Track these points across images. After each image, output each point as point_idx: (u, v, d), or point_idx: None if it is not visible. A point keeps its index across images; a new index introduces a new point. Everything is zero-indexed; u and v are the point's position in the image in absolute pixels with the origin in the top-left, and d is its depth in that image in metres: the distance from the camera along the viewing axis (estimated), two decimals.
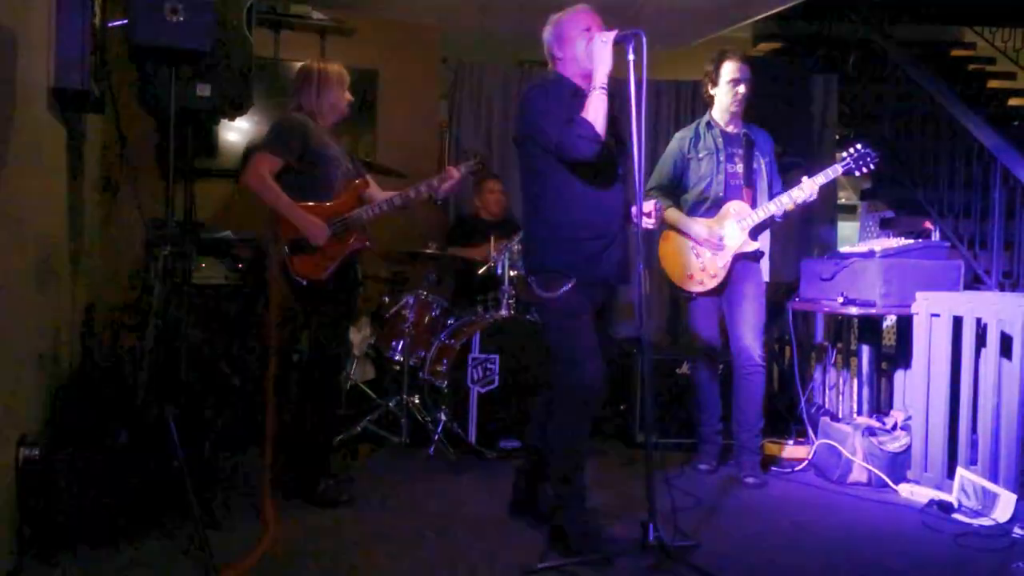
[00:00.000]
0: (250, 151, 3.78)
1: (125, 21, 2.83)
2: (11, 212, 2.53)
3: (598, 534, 3.02)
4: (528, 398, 4.24)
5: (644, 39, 2.83)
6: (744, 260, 3.99)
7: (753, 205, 3.99)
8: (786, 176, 4.27)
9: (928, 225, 5.85)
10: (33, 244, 2.87)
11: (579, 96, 2.97)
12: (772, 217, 3.97)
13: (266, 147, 3.43)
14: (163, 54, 2.97)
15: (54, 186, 3.31)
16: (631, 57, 2.85)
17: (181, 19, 2.85)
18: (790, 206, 3.93)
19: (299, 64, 3.66)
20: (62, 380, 3.34)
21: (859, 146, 3.98)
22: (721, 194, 3.98)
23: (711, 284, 3.98)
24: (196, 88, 3.40)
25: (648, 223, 3.04)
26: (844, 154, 4.00)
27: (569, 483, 3.01)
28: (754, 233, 3.97)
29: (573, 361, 2.95)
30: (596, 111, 2.89)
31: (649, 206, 3.07)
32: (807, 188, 3.88)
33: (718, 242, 3.95)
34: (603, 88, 2.90)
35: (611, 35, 2.90)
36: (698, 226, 3.98)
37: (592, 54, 2.92)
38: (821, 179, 3.90)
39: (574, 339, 2.96)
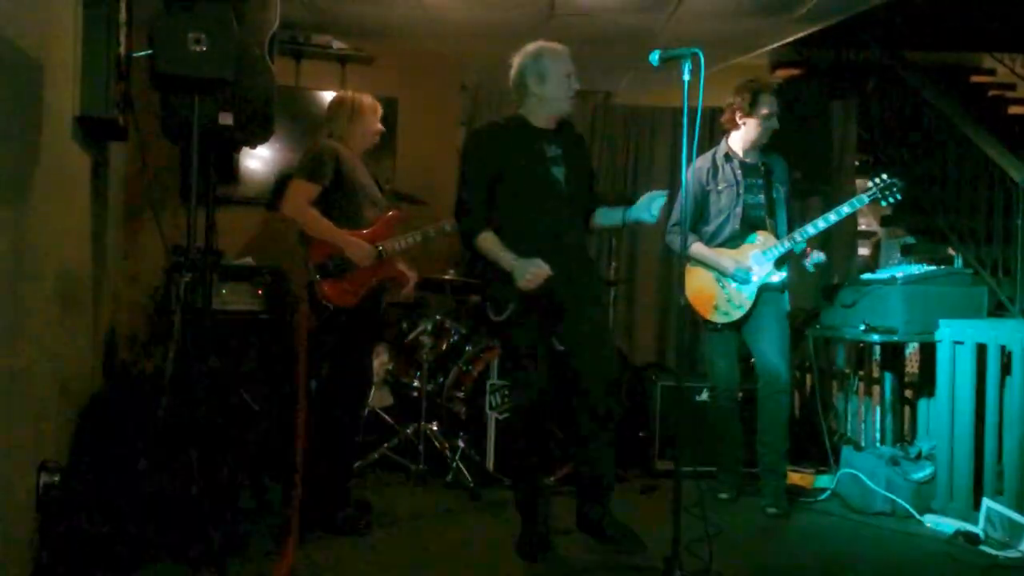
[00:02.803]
0: (284, 178, 3.83)
1: (150, 51, 2.87)
2: (35, 239, 2.56)
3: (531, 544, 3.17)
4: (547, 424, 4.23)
5: (702, 58, 2.80)
6: (770, 290, 3.96)
7: (775, 235, 3.97)
8: (802, 203, 4.25)
9: (950, 251, 5.81)
10: (56, 270, 2.90)
11: (529, 136, 3.17)
12: (796, 246, 3.94)
13: (302, 174, 3.47)
14: (186, 83, 3.01)
15: (78, 213, 3.35)
16: (687, 78, 2.79)
17: (204, 49, 2.89)
18: (814, 235, 3.90)
19: (320, 92, 3.70)
20: (83, 406, 3.36)
21: (885, 176, 3.94)
22: (738, 227, 3.97)
23: (737, 315, 3.96)
24: (218, 116, 3.44)
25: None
26: (870, 183, 3.95)
27: (521, 476, 3.33)
28: (779, 263, 3.95)
29: (514, 382, 3.41)
30: (486, 255, 3.14)
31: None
32: (832, 218, 3.85)
33: (746, 274, 3.92)
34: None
35: None
36: (725, 259, 3.95)
37: None
38: (847, 209, 3.87)
39: (515, 362, 3.26)
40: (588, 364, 3.14)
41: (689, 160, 2.80)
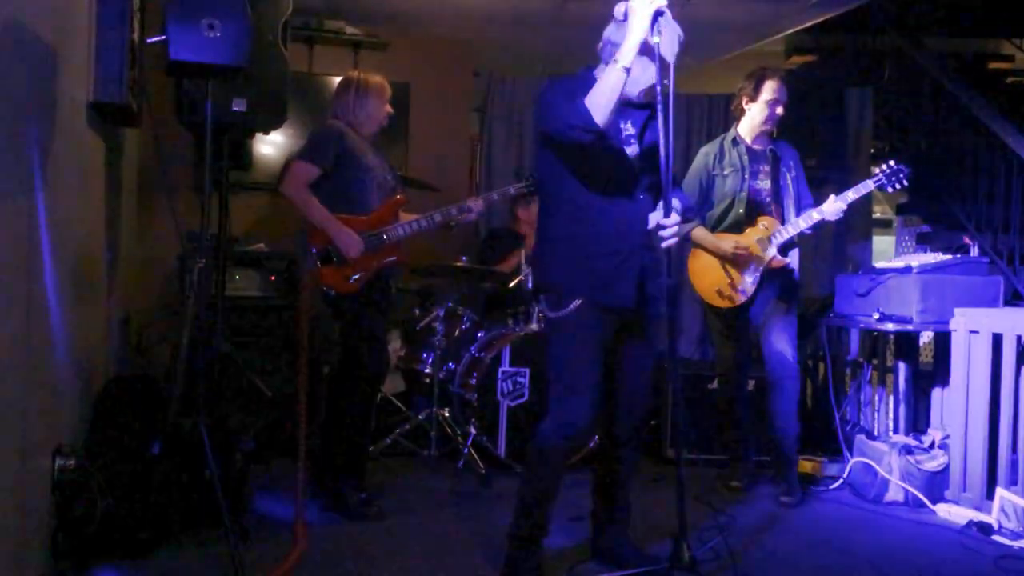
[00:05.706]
0: (289, 161, 3.87)
1: (163, 37, 2.87)
2: (51, 224, 2.57)
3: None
4: None
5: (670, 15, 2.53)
6: (774, 276, 3.94)
7: (782, 221, 3.95)
8: (819, 190, 4.22)
9: (966, 240, 5.77)
10: (71, 255, 2.92)
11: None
12: (801, 233, 3.92)
13: (302, 156, 3.47)
14: (200, 69, 3.01)
15: (93, 199, 3.36)
16: (656, 39, 2.53)
17: (218, 35, 2.88)
18: (819, 221, 3.88)
19: (333, 78, 3.69)
20: (98, 391, 3.38)
21: (892, 162, 3.92)
22: (742, 212, 3.94)
23: (740, 300, 3.94)
24: (232, 102, 3.44)
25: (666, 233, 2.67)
26: (876, 170, 3.95)
27: (525, 519, 2.80)
28: (784, 249, 3.93)
29: (562, 395, 2.71)
30: (600, 92, 2.54)
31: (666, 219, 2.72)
32: (836, 204, 3.83)
33: (747, 258, 3.90)
34: (625, 68, 2.53)
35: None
36: (726, 243, 3.93)
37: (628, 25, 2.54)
38: (852, 195, 3.84)
39: (570, 370, 2.72)
40: (637, 382, 2.91)
41: (665, 134, 2.57)
